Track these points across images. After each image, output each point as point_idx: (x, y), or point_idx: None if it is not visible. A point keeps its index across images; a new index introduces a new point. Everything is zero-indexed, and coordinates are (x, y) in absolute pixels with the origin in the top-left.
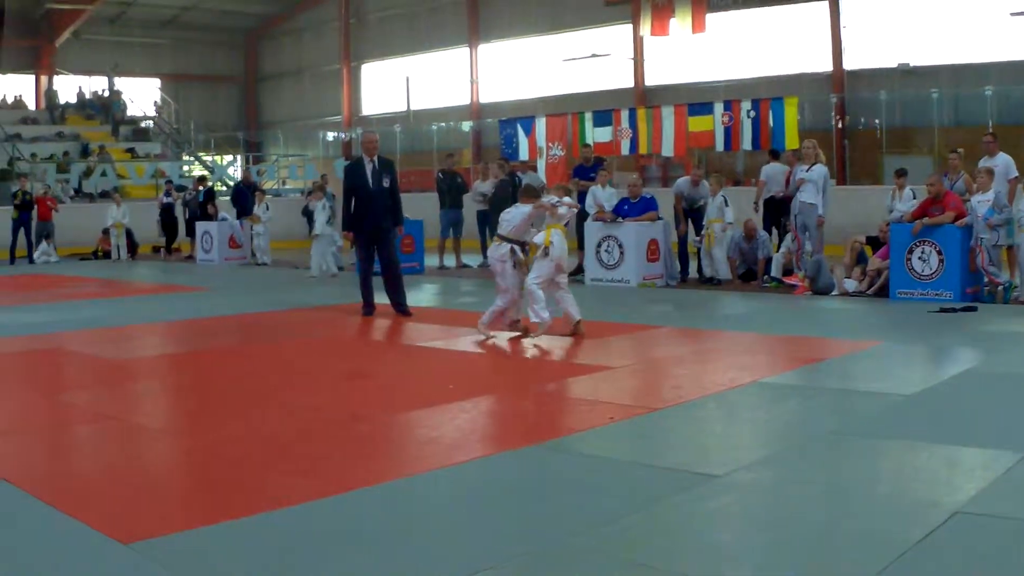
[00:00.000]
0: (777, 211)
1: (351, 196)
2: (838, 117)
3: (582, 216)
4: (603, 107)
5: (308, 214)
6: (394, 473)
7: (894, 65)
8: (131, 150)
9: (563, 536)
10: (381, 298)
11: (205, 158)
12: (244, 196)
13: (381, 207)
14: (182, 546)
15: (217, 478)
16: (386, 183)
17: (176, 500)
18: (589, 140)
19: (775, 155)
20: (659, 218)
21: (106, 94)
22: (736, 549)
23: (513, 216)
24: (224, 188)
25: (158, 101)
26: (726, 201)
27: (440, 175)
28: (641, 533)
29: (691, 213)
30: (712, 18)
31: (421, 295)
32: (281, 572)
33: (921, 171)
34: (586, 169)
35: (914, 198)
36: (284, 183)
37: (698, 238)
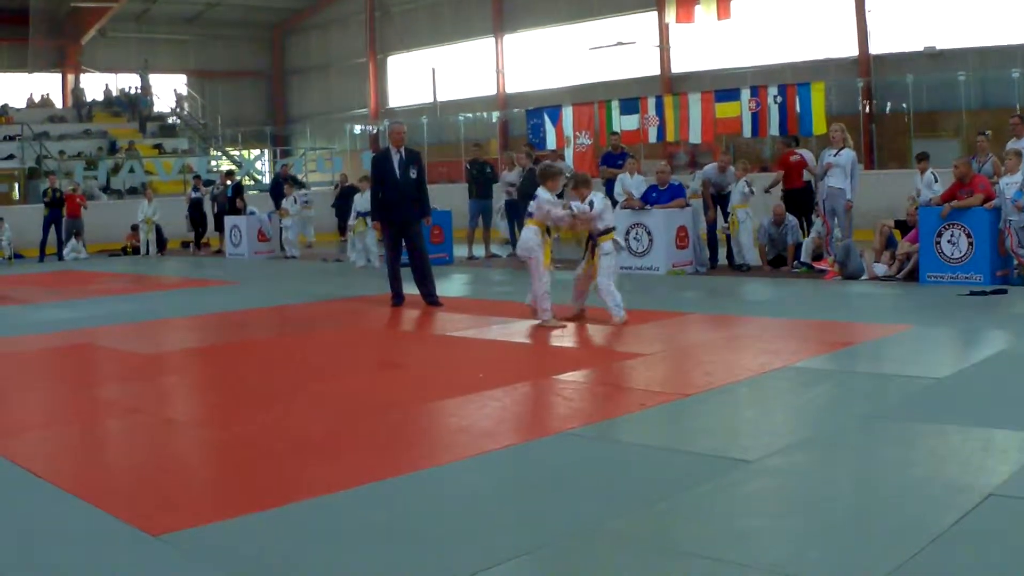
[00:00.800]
0: (790, 199)
1: (379, 187)
2: (865, 102)
3: (611, 204)
4: (630, 95)
5: (337, 207)
6: (426, 462)
7: (920, 49)
8: (158, 146)
9: (595, 522)
10: (411, 289)
11: (232, 153)
12: (282, 189)
13: (408, 198)
14: (211, 538)
15: (247, 470)
16: (413, 174)
17: (205, 492)
18: (616, 128)
19: (796, 142)
20: (687, 205)
21: (135, 91)
22: (768, 534)
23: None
24: (251, 183)
25: (178, 90)
26: (749, 187)
27: (469, 165)
28: (674, 518)
29: (719, 199)
30: (737, 4)
31: (451, 285)
32: (311, 562)
33: (949, 154)
34: (614, 157)
35: (936, 182)
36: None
37: (726, 224)
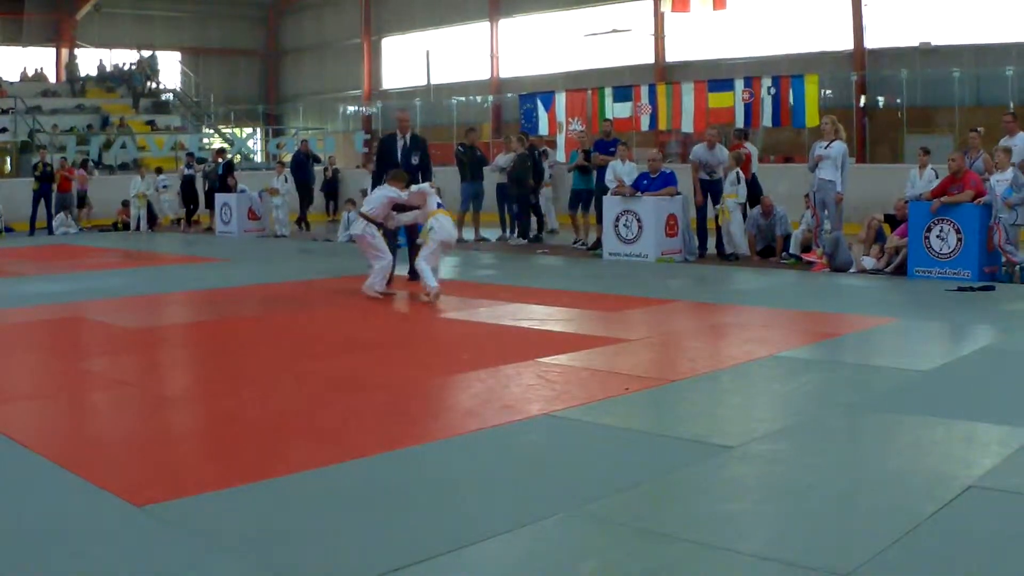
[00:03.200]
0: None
1: (382, 169)
2: (858, 95)
3: (602, 190)
4: (623, 83)
5: (325, 190)
6: (408, 440)
7: (915, 44)
8: (151, 122)
9: (577, 503)
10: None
11: (225, 131)
12: (303, 166)
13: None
14: (194, 509)
15: (232, 444)
16: (415, 160)
17: (190, 464)
18: (609, 115)
19: (744, 135)
20: (678, 193)
21: (129, 67)
22: (749, 519)
23: (376, 197)
24: (243, 161)
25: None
26: (738, 177)
27: (460, 148)
28: (655, 502)
29: (710, 185)
30: None
31: (440, 267)
32: (295, 535)
33: (941, 151)
34: (606, 144)
35: (936, 178)
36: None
37: (717, 208)
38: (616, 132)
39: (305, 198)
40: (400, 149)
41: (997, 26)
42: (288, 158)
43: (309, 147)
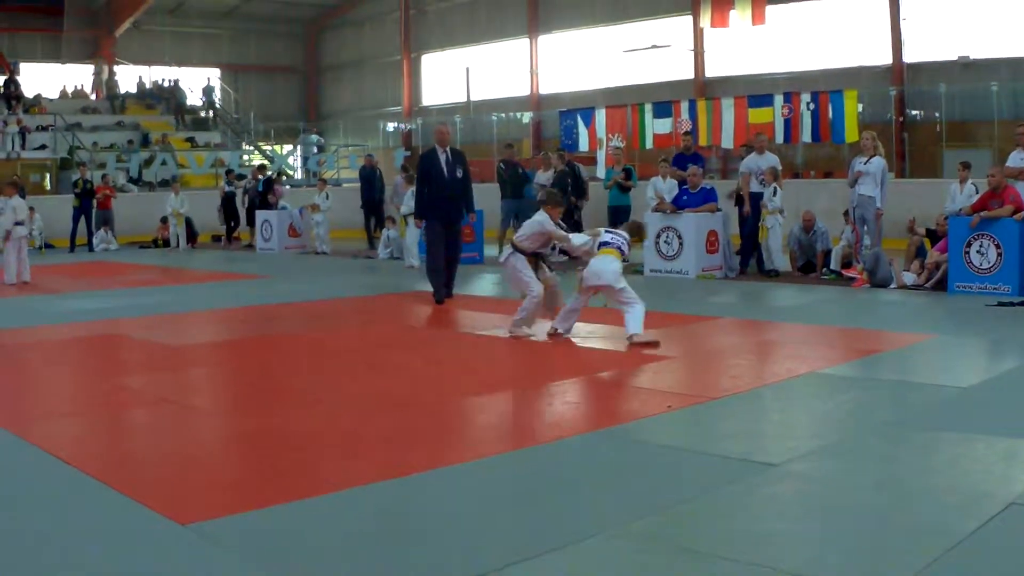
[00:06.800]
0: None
1: (424, 185)
2: (897, 110)
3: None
4: (663, 98)
5: (370, 204)
6: (452, 459)
7: (954, 58)
8: (191, 139)
9: (618, 521)
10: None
11: (265, 147)
12: (371, 181)
13: (455, 195)
14: (239, 528)
15: (273, 462)
16: (459, 173)
17: (233, 482)
18: (649, 132)
19: (750, 149)
20: (718, 209)
21: (169, 84)
22: (790, 537)
23: (529, 225)
24: (284, 177)
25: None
26: (775, 190)
27: (502, 165)
28: (696, 520)
29: (758, 198)
30: (772, 10)
31: (481, 284)
32: (336, 555)
33: (980, 165)
34: (685, 158)
35: (976, 193)
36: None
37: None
38: (656, 148)
39: (373, 214)
40: (443, 163)
41: None
42: (330, 175)
43: (374, 161)
